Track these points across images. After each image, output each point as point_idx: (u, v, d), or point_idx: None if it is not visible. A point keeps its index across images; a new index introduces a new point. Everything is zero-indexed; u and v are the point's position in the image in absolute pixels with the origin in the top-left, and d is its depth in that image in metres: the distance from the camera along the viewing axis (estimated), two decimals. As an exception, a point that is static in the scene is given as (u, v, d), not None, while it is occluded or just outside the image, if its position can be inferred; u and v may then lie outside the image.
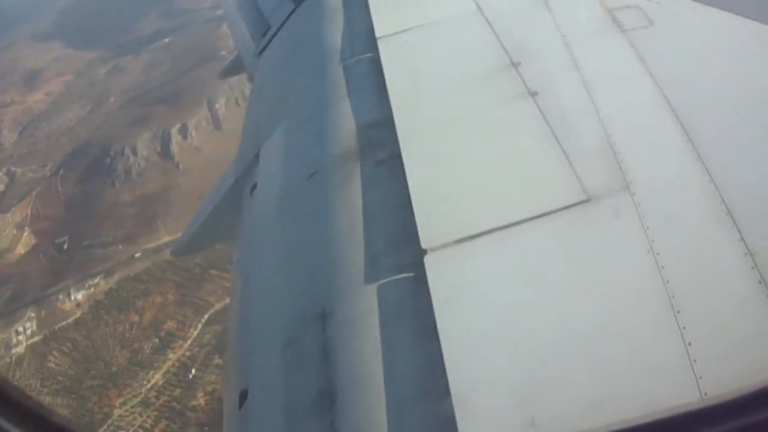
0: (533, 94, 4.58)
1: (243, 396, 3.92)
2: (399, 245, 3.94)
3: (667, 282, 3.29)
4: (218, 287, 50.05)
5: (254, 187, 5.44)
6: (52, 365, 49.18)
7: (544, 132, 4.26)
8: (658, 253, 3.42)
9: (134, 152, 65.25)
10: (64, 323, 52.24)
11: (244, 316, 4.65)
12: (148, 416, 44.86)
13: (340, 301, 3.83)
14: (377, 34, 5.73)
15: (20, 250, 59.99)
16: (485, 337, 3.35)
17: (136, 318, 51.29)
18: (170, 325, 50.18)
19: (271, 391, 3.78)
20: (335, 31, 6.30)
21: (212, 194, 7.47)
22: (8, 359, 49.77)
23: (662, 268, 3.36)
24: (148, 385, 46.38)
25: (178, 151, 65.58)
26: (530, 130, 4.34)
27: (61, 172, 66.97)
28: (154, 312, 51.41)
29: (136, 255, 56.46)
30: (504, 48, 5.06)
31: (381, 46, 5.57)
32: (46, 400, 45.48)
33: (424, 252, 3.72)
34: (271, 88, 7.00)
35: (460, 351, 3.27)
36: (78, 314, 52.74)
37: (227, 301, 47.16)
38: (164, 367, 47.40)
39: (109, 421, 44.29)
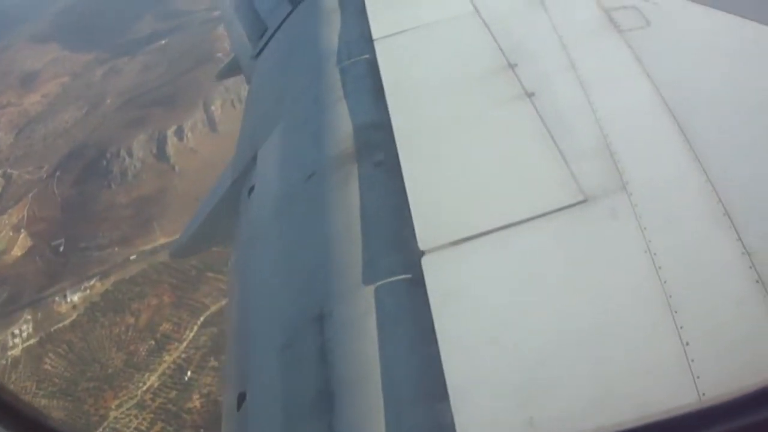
0: (530, 95, 4.58)
1: (241, 398, 3.92)
2: (396, 246, 3.94)
3: (665, 282, 3.29)
4: (214, 289, 50.08)
5: (252, 189, 5.43)
6: (48, 367, 49.14)
7: (541, 133, 4.26)
8: (655, 253, 3.42)
9: (130, 154, 65.29)
10: (60, 325, 52.21)
11: (242, 317, 4.64)
12: (144, 418, 44.84)
13: (338, 303, 3.83)
14: (374, 35, 5.72)
15: (16, 252, 59.95)
16: (483, 337, 3.34)
17: (131, 320, 51.28)
18: (166, 327, 50.17)
19: (269, 393, 3.78)
20: (332, 33, 6.30)
21: (210, 196, 7.46)
22: (4, 362, 49.74)
23: (659, 268, 3.36)
24: (144, 387, 46.37)
25: (173, 153, 65.65)
26: (527, 130, 4.34)
27: (58, 173, 67.00)
28: (149, 314, 51.40)
29: (132, 257, 56.45)
30: (501, 49, 5.06)
31: (378, 47, 5.56)
32: (42, 402, 45.46)
33: (422, 253, 3.71)
34: (268, 89, 6.99)
35: (458, 352, 3.27)
36: (74, 316, 52.73)
37: (223, 303, 47.35)
38: (160, 370, 47.38)
39: (105, 424, 44.27)
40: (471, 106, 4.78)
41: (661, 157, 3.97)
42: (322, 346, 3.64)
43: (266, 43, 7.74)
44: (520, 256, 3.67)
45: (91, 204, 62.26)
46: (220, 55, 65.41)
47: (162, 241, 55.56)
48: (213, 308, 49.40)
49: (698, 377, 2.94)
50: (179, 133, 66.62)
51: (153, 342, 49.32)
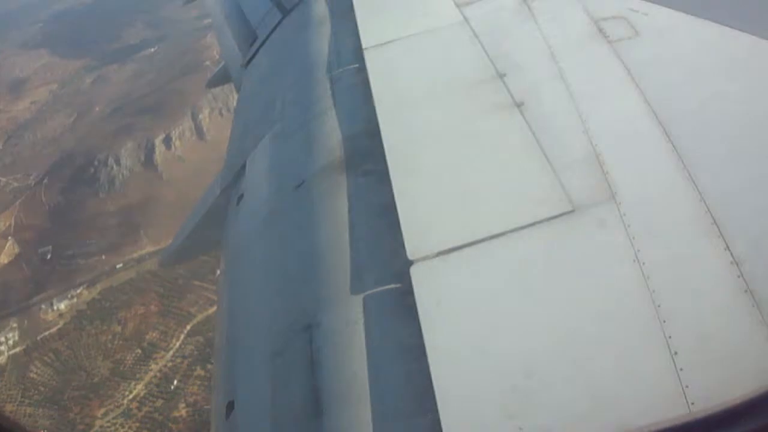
0: (519, 105, 4.58)
1: (230, 406, 3.90)
2: (385, 256, 3.93)
3: (653, 291, 3.29)
4: (200, 298, 50.07)
5: (241, 197, 5.41)
6: (34, 375, 48.91)
7: (529, 142, 4.27)
8: (643, 263, 3.43)
9: (118, 162, 65.25)
10: (46, 333, 52.06)
11: (231, 326, 4.62)
12: (130, 427, 44.71)
13: (327, 312, 3.82)
14: (364, 44, 5.72)
15: (3, 259, 59.72)
16: (472, 348, 3.34)
17: (118, 328, 51.15)
18: (153, 335, 50.07)
19: (257, 402, 3.76)
20: (322, 42, 6.30)
21: (199, 204, 7.43)
22: (-11, 369, 49.51)
23: (648, 277, 3.36)
24: (130, 396, 46.25)
25: (161, 161, 65.67)
26: (516, 140, 4.34)
27: (46, 181, 66.85)
28: (136, 322, 51.27)
29: (119, 265, 56.27)
30: (490, 59, 5.07)
31: (367, 56, 5.56)
32: (28, 410, 45.27)
33: (411, 263, 3.71)
34: (258, 98, 6.97)
35: (447, 362, 3.26)
36: (60, 324, 52.58)
37: (210, 311, 47.36)
38: (146, 378, 47.26)
39: (91, 432, 44.10)
40: (460, 116, 4.78)
41: (650, 166, 3.97)
42: (311, 356, 3.62)
43: (256, 52, 7.74)
44: (509, 266, 3.67)
45: (78, 212, 62.15)
46: (208, 63, 65.63)
47: (149, 249, 55.50)
48: (199, 317, 49.35)
49: (687, 387, 2.94)
50: (167, 142, 66.64)
51: (139, 350, 49.18)
